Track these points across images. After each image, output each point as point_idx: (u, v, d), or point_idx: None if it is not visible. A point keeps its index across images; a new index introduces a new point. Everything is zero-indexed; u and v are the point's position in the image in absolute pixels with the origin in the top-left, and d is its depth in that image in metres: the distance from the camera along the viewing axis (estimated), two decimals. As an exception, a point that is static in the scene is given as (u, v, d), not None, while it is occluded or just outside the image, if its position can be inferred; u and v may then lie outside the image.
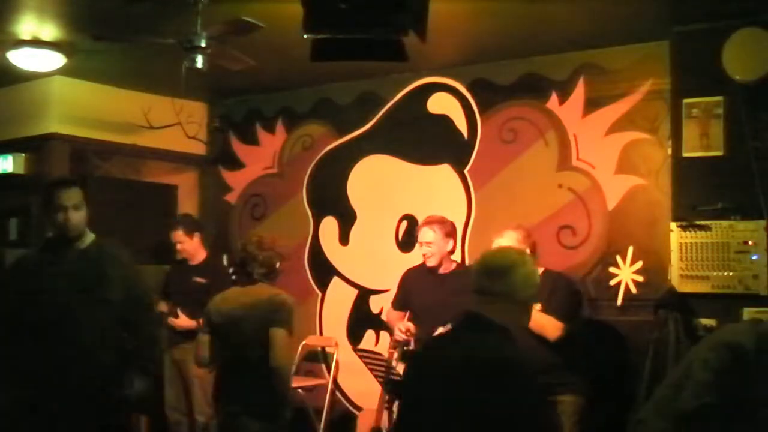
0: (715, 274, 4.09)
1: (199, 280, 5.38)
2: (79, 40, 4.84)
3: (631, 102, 4.79)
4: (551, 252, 4.77)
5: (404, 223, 5.62)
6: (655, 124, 4.69)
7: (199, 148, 6.61)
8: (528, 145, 5.15)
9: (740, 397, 2.18)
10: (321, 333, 5.99)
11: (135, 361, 3.62)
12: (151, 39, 4.26)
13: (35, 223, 5.90)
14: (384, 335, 5.45)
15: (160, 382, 5.26)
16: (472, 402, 2.30)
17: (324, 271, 6.01)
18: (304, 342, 5.90)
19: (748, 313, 3.98)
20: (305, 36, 3.16)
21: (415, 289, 4.76)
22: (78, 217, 3.58)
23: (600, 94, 4.90)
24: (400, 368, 4.36)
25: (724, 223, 4.08)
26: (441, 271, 4.65)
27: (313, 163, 6.11)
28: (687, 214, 4.18)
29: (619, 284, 4.71)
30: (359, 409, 5.59)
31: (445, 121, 5.50)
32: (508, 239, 4.36)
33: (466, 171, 5.41)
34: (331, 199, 5.98)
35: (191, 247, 5.60)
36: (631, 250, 4.69)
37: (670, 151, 4.38)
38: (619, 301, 4.69)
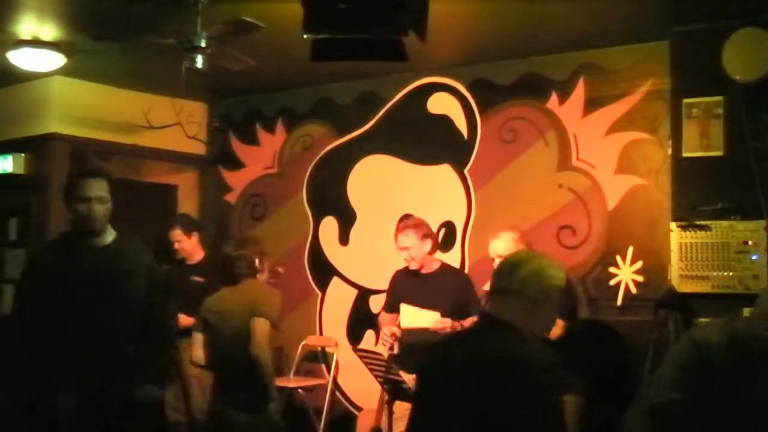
0: (715, 274, 4.09)
1: (197, 279, 5.39)
2: (79, 40, 4.84)
3: (631, 102, 4.79)
4: (551, 252, 4.76)
5: (404, 223, 5.61)
6: (655, 124, 4.69)
7: (199, 148, 6.61)
8: (528, 145, 5.15)
9: (707, 394, 2.19)
10: (321, 333, 5.99)
11: (145, 366, 3.45)
12: (151, 39, 4.26)
13: (35, 223, 5.91)
14: (384, 335, 5.45)
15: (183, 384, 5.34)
16: (474, 400, 2.31)
17: (324, 271, 6.01)
18: (304, 342, 5.90)
19: (748, 313, 3.97)
20: (305, 36, 3.16)
21: (401, 291, 4.80)
22: (102, 210, 3.38)
23: (600, 94, 4.90)
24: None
25: (724, 223, 4.08)
26: (424, 271, 4.69)
27: (313, 163, 6.11)
28: (687, 214, 4.18)
29: (619, 284, 4.71)
30: (359, 409, 5.59)
31: (445, 121, 5.50)
32: (503, 240, 4.38)
33: (466, 171, 5.41)
34: (331, 199, 5.98)
35: (189, 247, 5.62)
36: (631, 250, 4.69)
37: (670, 151, 4.38)
38: (619, 301, 4.69)
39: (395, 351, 4.65)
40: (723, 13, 4.06)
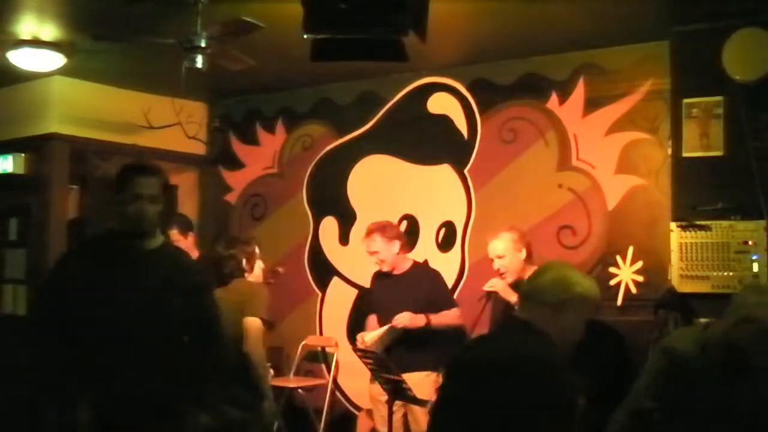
0: (715, 274, 4.09)
1: None
2: (79, 40, 4.84)
3: (631, 102, 4.79)
4: (551, 252, 4.77)
5: (404, 223, 5.61)
6: (655, 124, 4.69)
7: (199, 148, 6.61)
8: (528, 145, 5.15)
9: (680, 400, 2.20)
10: (321, 333, 5.99)
11: (197, 393, 3.09)
12: (151, 39, 4.26)
13: (35, 223, 5.91)
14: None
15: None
16: (496, 399, 2.35)
17: (324, 271, 6.01)
18: (304, 342, 5.90)
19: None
20: (305, 36, 3.16)
21: (377, 292, 4.95)
22: (153, 210, 3.05)
23: (600, 94, 4.90)
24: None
25: (724, 223, 4.08)
26: (396, 272, 4.79)
27: (313, 163, 6.11)
28: (687, 214, 4.18)
29: (619, 284, 4.71)
30: (359, 409, 5.59)
31: (445, 121, 5.50)
32: (502, 240, 4.38)
33: (466, 171, 5.41)
34: (331, 199, 5.98)
35: (186, 247, 5.60)
36: (631, 250, 4.69)
37: (670, 151, 4.38)
38: (619, 301, 4.69)
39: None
40: (723, 13, 4.05)
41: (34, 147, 5.88)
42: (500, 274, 4.39)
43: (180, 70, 4.15)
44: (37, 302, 3.20)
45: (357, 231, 5.87)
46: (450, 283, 5.38)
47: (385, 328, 4.68)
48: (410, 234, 5.57)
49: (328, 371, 5.82)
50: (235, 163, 6.55)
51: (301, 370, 5.93)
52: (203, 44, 4.03)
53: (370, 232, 4.79)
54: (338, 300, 5.89)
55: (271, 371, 5.46)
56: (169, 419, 2.91)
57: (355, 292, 5.82)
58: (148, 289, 3.00)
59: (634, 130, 4.78)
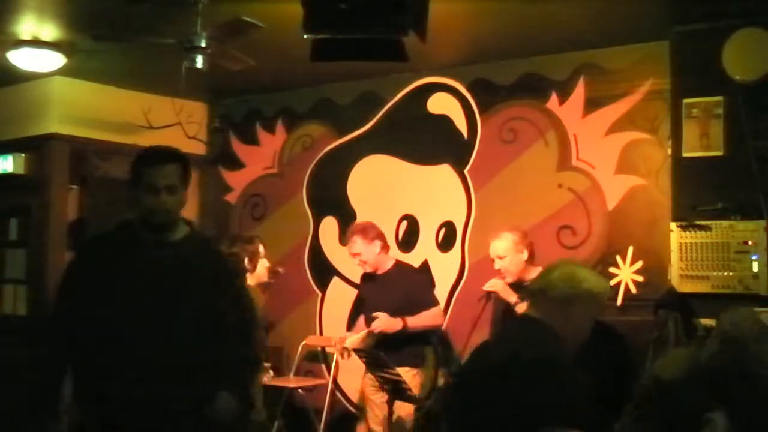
0: (715, 274, 4.08)
1: None
2: (79, 40, 4.84)
3: (631, 102, 4.79)
4: (551, 252, 4.77)
5: (404, 223, 5.62)
6: (655, 124, 4.69)
7: (199, 148, 6.60)
8: (528, 145, 5.15)
9: (666, 426, 2.20)
10: (321, 333, 5.99)
11: (226, 385, 2.89)
12: (151, 39, 4.26)
13: (35, 223, 5.92)
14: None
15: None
16: (505, 396, 2.38)
17: (324, 271, 6.01)
18: (304, 342, 5.90)
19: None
20: (305, 36, 3.16)
21: (363, 293, 5.05)
22: (173, 201, 2.83)
23: (600, 94, 4.90)
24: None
25: (724, 223, 4.08)
26: (379, 272, 4.87)
27: (313, 163, 6.12)
28: (687, 214, 4.18)
29: (619, 284, 4.71)
30: (359, 408, 5.58)
31: (445, 121, 5.50)
32: (504, 241, 4.38)
33: (466, 171, 5.41)
34: (331, 199, 5.98)
35: None
36: (631, 250, 4.69)
37: (670, 151, 4.38)
38: (619, 301, 4.69)
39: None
40: (723, 13, 4.05)
41: (34, 147, 5.89)
42: (501, 275, 4.40)
43: (180, 70, 4.16)
44: (55, 303, 2.93)
45: (357, 231, 5.88)
46: (450, 283, 5.39)
47: (363, 332, 4.74)
48: (410, 234, 5.58)
49: (328, 371, 5.82)
50: (235, 163, 6.55)
51: (301, 370, 5.93)
52: (203, 44, 4.03)
53: (350, 235, 4.87)
54: (338, 300, 5.89)
55: (271, 372, 5.48)
56: (191, 416, 2.74)
57: (355, 292, 5.81)
58: (171, 283, 2.81)
59: (634, 130, 4.78)
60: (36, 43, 4.91)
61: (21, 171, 5.90)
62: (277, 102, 6.31)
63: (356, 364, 4.88)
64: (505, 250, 4.37)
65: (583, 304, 2.49)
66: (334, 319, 5.90)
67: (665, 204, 4.45)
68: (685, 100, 4.26)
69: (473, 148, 5.38)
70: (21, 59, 5.05)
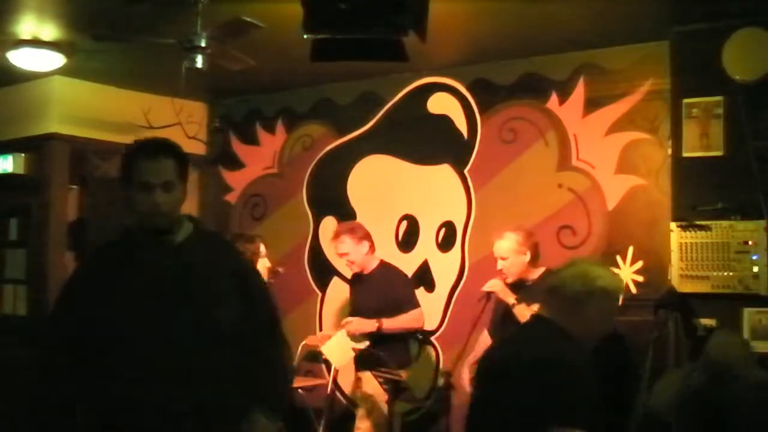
0: (715, 274, 4.08)
1: None
2: (79, 40, 4.84)
3: (631, 102, 4.79)
4: (551, 252, 4.76)
5: (404, 223, 5.62)
6: (655, 124, 4.69)
7: (199, 148, 6.60)
8: (528, 145, 5.15)
9: None
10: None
11: (255, 397, 2.64)
12: (151, 39, 4.26)
13: (35, 223, 5.91)
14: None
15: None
16: (509, 397, 2.40)
17: (324, 271, 6.00)
18: (304, 342, 5.89)
19: (748, 313, 3.98)
20: (305, 36, 3.16)
21: (351, 293, 5.12)
22: (170, 200, 2.53)
23: (600, 94, 4.90)
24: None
25: (724, 223, 4.08)
26: (365, 272, 4.91)
27: (313, 163, 6.12)
28: (687, 214, 4.18)
29: (619, 284, 4.70)
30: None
31: (445, 121, 5.50)
32: (508, 241, 4.37)
33: (466, 171, 5.41)
34: (331, 199, 5.98)
35: None
36: (631, 250, 4.69)
37: (670, 151, 4.38)
38: (619, 301, 4.68)
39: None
40: (723, 13, 4.05)
41: (34, 147, 5.88)
42: (502, 274, 4.39)
43: (180, 70, 4.15)
44: (54, 307, 2.71)
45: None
46: (450, 283, 5.39)
47: (338, 333, 4.77)
48: (410, 234, 5.58)
49: (328, 371, 5.81)
50: (235, 163, 6.55)
51: (301, 370, 5.92)
52: (203, 44, 4.03)
53: (338, 234, 4.88)
54: (338, 300, 5.89)
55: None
56: (191, 418, 2.50)
57: (355, 292, 5.83)
58: (173, 286, 2.53)
59: (634, 130, 4.78)
60: (36, 43, 4.91)
61: (21, 171, 5.90)
62: (277, 102, 6.31)
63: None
64: (507, 251, 4.36)
65: (597, 303, 2.47)
66: (334, 319, 5.90)
67: (665, 204, 4.44)
68: (685, 100, 4.26)
69: (473, 148, 5.38)
70: (21, 59, 5.05)
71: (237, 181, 6.55)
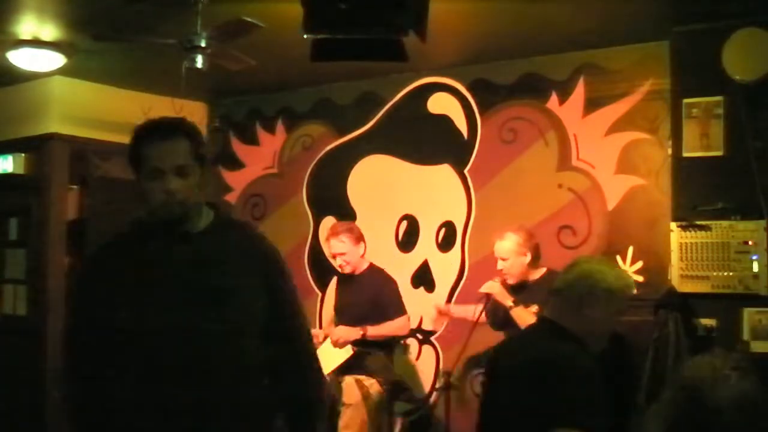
0: (715, 274, 4.08)
1: None
2: (79, 40, 4.84)
3: (631, 102, 4.79)
4: (551, 252, 4.76)
5: (404, 223, 5.62)
6: (655, 124, 4.69)
7: (199, 148, 6.60)
8: (528, 145, 5.15)
9: None
10: (321, 333, 5.98)
11: (292, 403, 2.43)
12: (151, 39, 4.25)
13: (35, 223, 5.91)
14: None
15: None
16: (511, 399, 2.40)
17: (324, 271, 6.00)
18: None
19: (748, 313, 3.98)
20: (305, 36, 3.16)
21: (337, 292, 5.09)
22: (185, 186, 2.25)
23: (600, 94, 4.90)
24: None
25: (724, 223, 4.08)
26: (356, 273, 4.88)
27: (313, 163, 6.11)
28: (687, 214, 4.18)
29: (619, 284, 4.70)
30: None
31: (445, 121, 5.50)
32: (507, 242, 4.37)
33: (466, 171, 5.40)
34: (331, 199, 5.98)
35: None
36: (631, 250, 4.69)
37: (670, 151, 4.38)
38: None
39: None
40: (723, 13, 4.05)
41: (34, 147, 5.88)
42: (502, 275, 4.39)
43: (180, 70, 4.15)
44: (70, 320, 2.47)
45: (357, 231, 5.88)
46: (450, 284, 5.39)
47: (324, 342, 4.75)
48: (410, 234, 5.58)
49: (328, 371, 5.81)
50: (235, 163, 6.55)
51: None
52: (203, 44, 4.03)
53: (337, 233, 4.82)
54: (338, 300, 5.89)
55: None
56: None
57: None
58: (197, 288, 2.26)
59: (634, 130, 4.77)
60: (36, 43, 4.91)
61: (21, 171, 5.90)
62: (277, 102, 6.31)
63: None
64: (508, 252, 4.35)
65: (601, 303, 2.45)
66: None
67: (665, 204, 4.44)
68: (685, 100, 4.26)
69: (473, 148, 5.38)
70: (21, 59, 5.04)
71: (237, 181, 6.55)
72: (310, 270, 6.07)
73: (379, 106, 5.82)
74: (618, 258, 4.73)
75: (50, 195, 5.82)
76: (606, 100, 4.87)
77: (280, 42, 4.54)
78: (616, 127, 4.84)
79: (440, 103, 5.54)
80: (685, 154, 4.25)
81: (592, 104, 4.93)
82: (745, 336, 3.95)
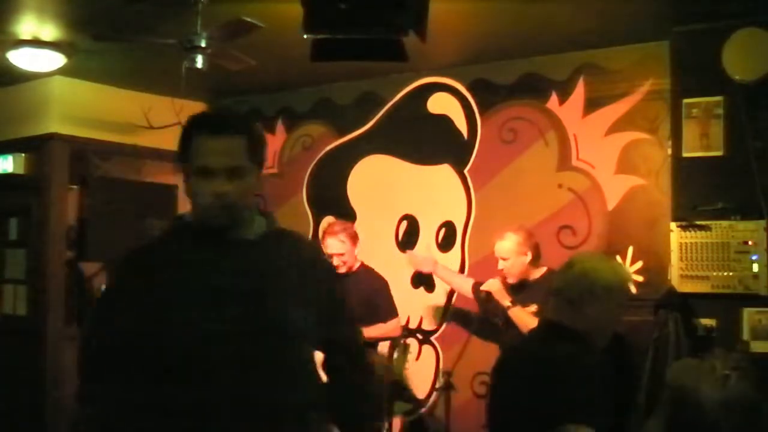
0: (715, 274, 4.09)
1: None
2: (79, 40, 4.84)
3: (631, 102, 4.79)
4: (551, 252, 4.76)
5: (404, 223, 5.62)
6: (655, 124, 4.69)
7: (199, 148, 6.59)
8: (528, 145, 5.15)
9: None
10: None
11: (344, 415, 2.29)
12: (151, 39, 4.26)
13: (35, 223, 5.91)
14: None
15: None
16: (514, 399, 2.42)
17: (324, 271, 6.00)
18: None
19: (748, 313, 3.98)
20: (305, 36, 3.16)
21: None
22: (237, 190, 2.03)
23: (600, 94, 4.90)
24: None
25: (724, 223, 4.08)
26: (349, 272, 4.85)
27: (313, 163, 6.12)
28: (687, 214, 4.18)
29: (619, 284, 4.70)
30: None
31: (445, 121, 5.50)
32: (507, 242, 4.37)
33: (466, 171, 5.41)
34: (331, 199, 5.98)
35: None
36: (631, 250, 4.69)
37: (670, 151, 4.38)
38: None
39: None
40: (723, 13, 4.05)
41: (34, 147, 5.88)
42: (502, 274, 4.39)
43: (180, 70, 4.16)
44: (92, 333, 2.29)
45: (357, 231, 5.87)
46: (450, 283, 5.39)
47: None
48: (410, 234, 5.58)
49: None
50: (235, 163, 6.54)
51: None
52: (203, 44, 4.03)
53: (335, 233, 4.80)
54: (338, 300, 5.89)
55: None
56: None
57: (355, 292, 5.82)
58: (247, 301, 2.05)
59: (634, 130, 4.77)
60: (36, 43, 4.91)
61: (21, 171, 5.90)
62: (277, 102, 6.31)
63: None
64: (508, 252, 4.36)
65: (600, 301, 2.45)
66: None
67: (665, 204, 4.45)
68: (685, 100, 4.26)
69: (473, 148, 5.38)
70: (21, 59, 5.04)
71: (237, 181, 6.54)
72: (310, 270, 6.07)
73: (379, 106, 5.82)
74: (618, 258, 4.73)
75: (50, 195, 5.83)
76: (606, 100, 4.87)
77: (280, 42, 4.54)
78: (616, 127, 4.84)
79: (440, 103, 5.54)
80: (685, 154, 4.25)
81: (592, 104, 4.93)
82: (745, 336, 3.95)
